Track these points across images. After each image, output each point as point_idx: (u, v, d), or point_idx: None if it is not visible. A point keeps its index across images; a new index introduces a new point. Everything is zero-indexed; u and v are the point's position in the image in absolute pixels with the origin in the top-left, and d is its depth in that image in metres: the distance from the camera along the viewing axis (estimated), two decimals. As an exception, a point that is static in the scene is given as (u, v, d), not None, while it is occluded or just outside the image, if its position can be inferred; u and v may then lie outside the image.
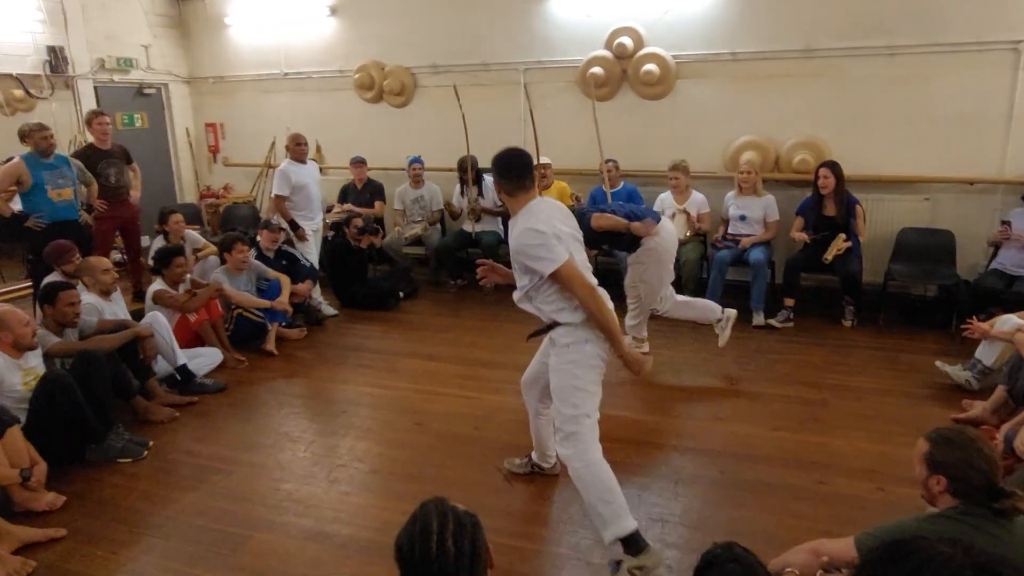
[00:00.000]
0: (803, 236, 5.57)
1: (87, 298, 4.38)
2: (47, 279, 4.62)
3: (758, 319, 5.59)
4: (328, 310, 6.13)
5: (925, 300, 5.90)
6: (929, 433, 2.10)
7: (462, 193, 6.85)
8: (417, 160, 7.06)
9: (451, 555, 1.50)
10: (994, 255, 5.35)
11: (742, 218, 5.90)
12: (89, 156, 6.07)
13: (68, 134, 7.23)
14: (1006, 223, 5.24)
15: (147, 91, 8.25)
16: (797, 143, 6.15)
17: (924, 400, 4.22)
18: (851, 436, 3.76)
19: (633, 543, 2.59)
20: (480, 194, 6.70)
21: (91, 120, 6.22)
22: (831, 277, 5.75)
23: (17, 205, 5.62)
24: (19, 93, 7.09)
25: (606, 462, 2.68)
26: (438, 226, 7.23)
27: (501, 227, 6.92)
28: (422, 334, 5.64)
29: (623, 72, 6.57)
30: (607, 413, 3.88)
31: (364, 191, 7.24)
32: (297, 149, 6.05)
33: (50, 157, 5.54)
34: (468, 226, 6.80)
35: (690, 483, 3.37)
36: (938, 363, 4.42)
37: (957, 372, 4.30)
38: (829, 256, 5.41)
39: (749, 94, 6.29)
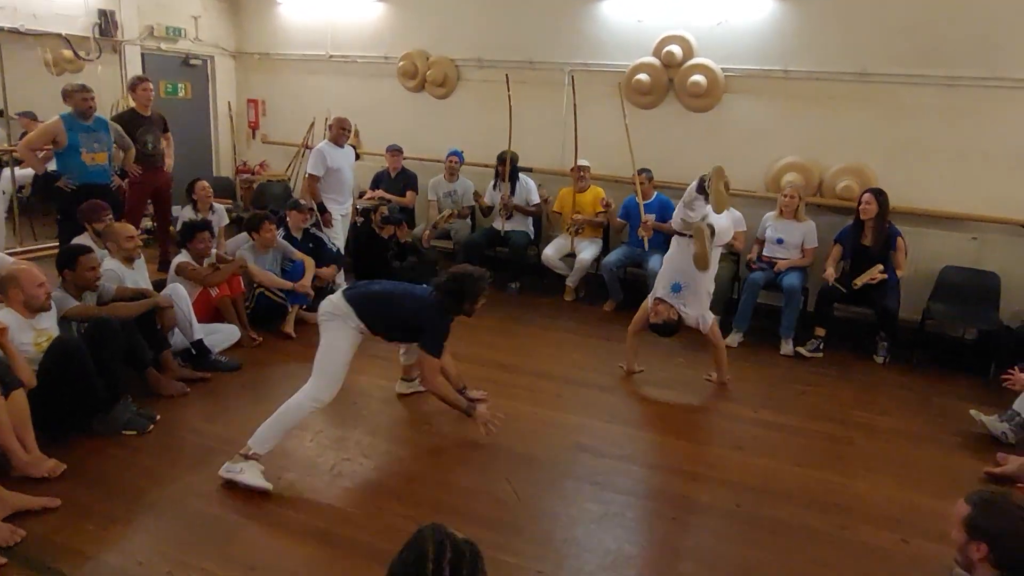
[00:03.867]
0: (831, 275, 5.32)
1: (109, 264, 4.33)
2: (76, 239, 4.61)
3: (786, 347, 5.40)
4: (350, 297, 6.05)
5: (963, 343, 5.68)
6: (971, 495, 1.96)
7: (495, 187, 6.76)
8: (456, 153, 6.97)
9: None
10: (1040, 303, 5.13)
11: (779, 241, 5.72)
12: (130, 121, 6.10)
13: (112, 98, 7.26)
14: None
15: (193, 62, 8.27)
16: (843, 168, 5.95)
17: (956, 449, 4.03)
18: (877, 480, 3.59)
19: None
20: (512, 192, 6.60)
21: (135, 86, 6.25)
22: (866, 310, 5.55)
23: (53, 164, 5.66)
24: (68, 54, 7.14)
25: None
26: (468, 221, 7.14)
27: (531, 228, 6.82)
28: (441, 330, 5.54)
29: (669, 81, 6.42)
30: (621, 430, 3.81)
31: (397, 180, 7.17)
32: (340, 132, 6.07)
33: (89, 119, 5.55)
34: (498, 224, 6.69)
35: (704, 513, 3.23)
36: (973, 412, 4.20)
37: (993, 423, 4.09)
38: (859, 283, 5.22)
39: (798, 114, 6.11)
